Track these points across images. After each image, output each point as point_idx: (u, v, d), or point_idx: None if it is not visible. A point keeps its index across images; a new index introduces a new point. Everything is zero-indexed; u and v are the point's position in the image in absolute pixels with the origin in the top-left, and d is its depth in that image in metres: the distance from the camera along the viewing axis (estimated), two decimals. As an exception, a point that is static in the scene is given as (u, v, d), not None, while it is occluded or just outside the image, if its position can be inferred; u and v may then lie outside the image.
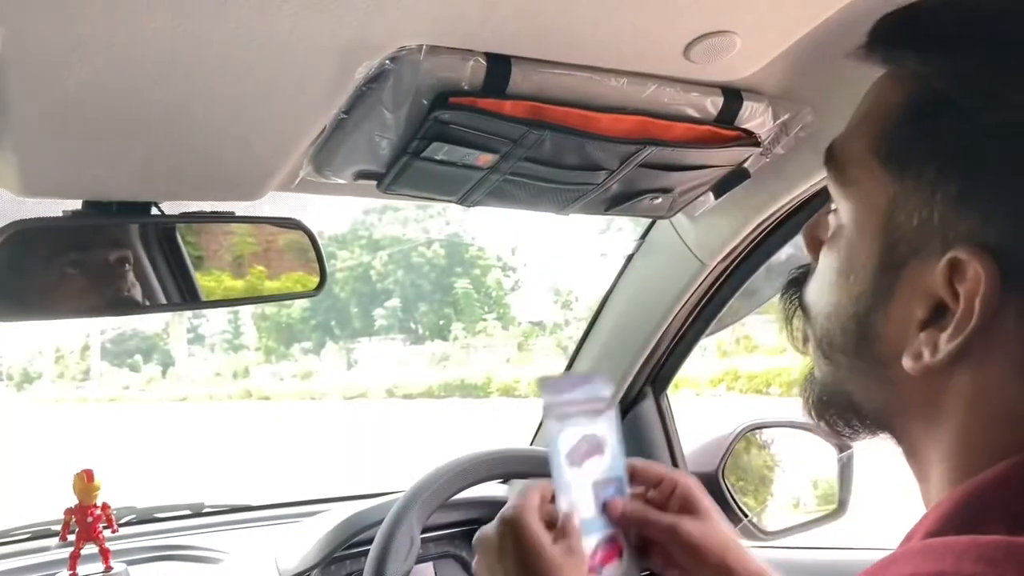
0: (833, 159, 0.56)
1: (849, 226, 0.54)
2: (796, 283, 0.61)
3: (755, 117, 0.96)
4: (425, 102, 0.79)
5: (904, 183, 0.49)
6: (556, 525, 0.75)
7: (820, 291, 0.57)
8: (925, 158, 0.48)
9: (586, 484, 0.77)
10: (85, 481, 1.30)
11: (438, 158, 0.87)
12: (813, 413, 0.59)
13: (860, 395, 0.55)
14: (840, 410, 0.57)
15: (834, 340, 0.55)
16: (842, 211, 0.55)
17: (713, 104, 0.93)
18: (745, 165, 1.06)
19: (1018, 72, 0.46)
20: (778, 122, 0.99)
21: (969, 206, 0.46)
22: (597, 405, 0.79)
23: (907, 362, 0.49)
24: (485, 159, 0.89)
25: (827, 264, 0.56)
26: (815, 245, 0.59)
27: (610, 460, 0.79)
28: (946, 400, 0.49)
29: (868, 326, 0.52)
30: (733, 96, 0.93)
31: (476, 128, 0.83)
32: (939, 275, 0.47)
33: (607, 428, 0.79)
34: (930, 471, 0.51)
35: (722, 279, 1.38)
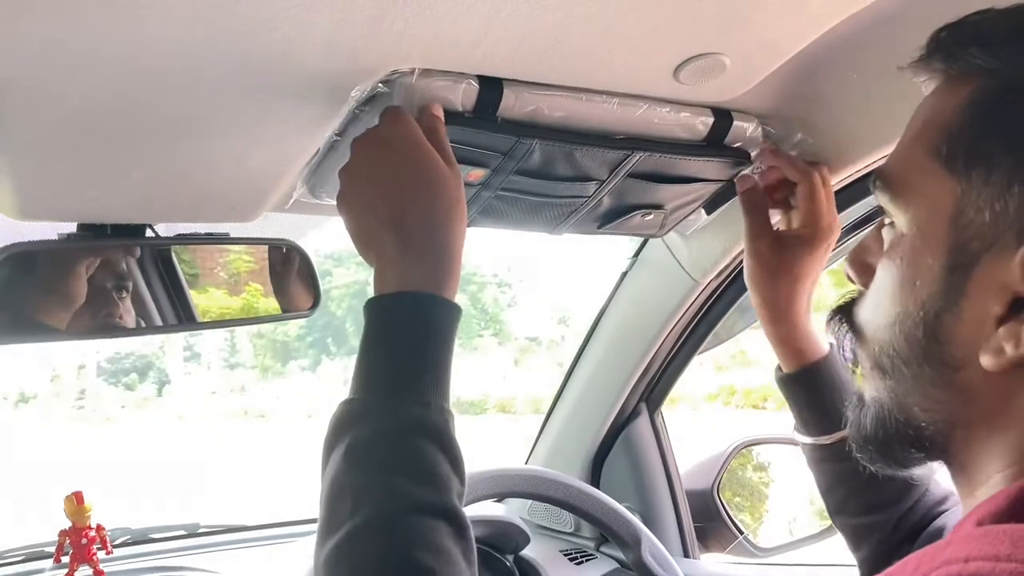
0: (886, 177, 0.56)
1: (911, 234, 0.53)
2: (843, 309, 0.62)
3: (745, 137, 0.97)
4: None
5: (972, 180, 0.49)
6: None
7: (878, 306, 0.56)
8: (996, 151, 0.48)
9: None
10: (75, 504, 1.30)
11: None
12: (865, 439, 0.58)
13: (922, 407, 0.53)
14: (896, 429, 0.55)
15: (898, 351, 0.54)
16: (901, 222, 0.54)
17: (703, 124, 0.93)
18: (736, 181, 1.07)
19: None
20: (768, 142, 1.00)
21: None
22: None
23: (987, 360, 0.48)
24: (476, 175, 0.89)
25: (886, 277, 0.55)
26: (864, 270, 0.60)
27: None
28: (1017, 401, 0.49)
29: (938, 329, 0.51)
30: (723, 117, 0.94)
31: (467, 143, 0.84)
32: (1017, 268, 0.47)
33: None
34: (982, 482, 0.51)
35: (715, 296, 1.39)
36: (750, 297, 0.98)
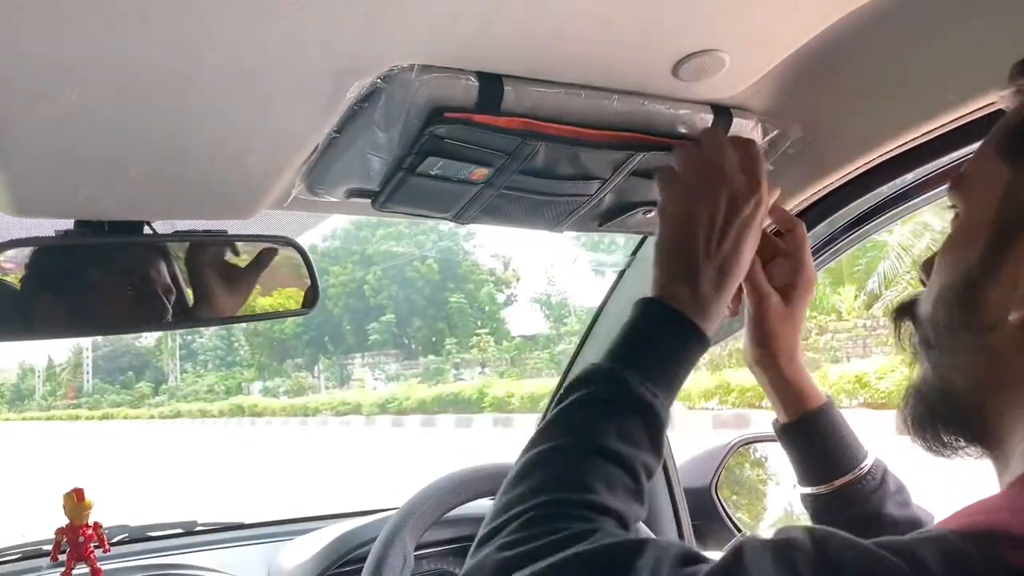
0: (962, 177, 0.62)
1: (964, 216, 0.60)
2: (906, 307, 0.66)
3: (744, 134, 0.97)
4: (418, 120, 0.80)
5: (1021, 166, 0.55)
6: None
7: (931, 288, 0.62)
8: None
9: None
10: (75, 501, 1.30)
11: (433, 173, 0.87)
12: (910, 417, 0.63)
13: (959, 373, 0.59)
14: (935, 401, 0.60)
15: (940, 320, 0.60)
16: (960, 207, 0.61)
17: (703, 121, 0.93)
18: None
19: None
20: (767, 139, 1.00)
21: None
22: None
23: (1014, 315, 0.53)
24: (480, 173, 0.89)
25: (942, 260, 0.61)
26: (928, 266, 0.65)
27: None
28: None
29: (976, 291, 0.57)
30: (723, 114, 0.94)
31: (471, 142, 0.83)
32: None
33: None
34: (1013, 452, 0.55)
35: (713, 294, 1.38)
36: (751, 355, 0.98)
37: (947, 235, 0.62)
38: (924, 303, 0.63)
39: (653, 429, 0.74)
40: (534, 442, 0.73)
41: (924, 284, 0.66)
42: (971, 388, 0.58)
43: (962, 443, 0.60)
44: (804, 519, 1.61)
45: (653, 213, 1.07)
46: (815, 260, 1.05)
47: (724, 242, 0.82)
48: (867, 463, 0.90)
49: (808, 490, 0.94)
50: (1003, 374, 0.55)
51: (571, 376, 0.78)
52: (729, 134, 0.96)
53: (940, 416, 0.60)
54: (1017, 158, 0.56)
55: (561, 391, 0.77)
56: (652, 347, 0.79)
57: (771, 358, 0.96)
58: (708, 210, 0.82)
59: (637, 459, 0.71)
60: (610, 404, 0.74)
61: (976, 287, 0.56)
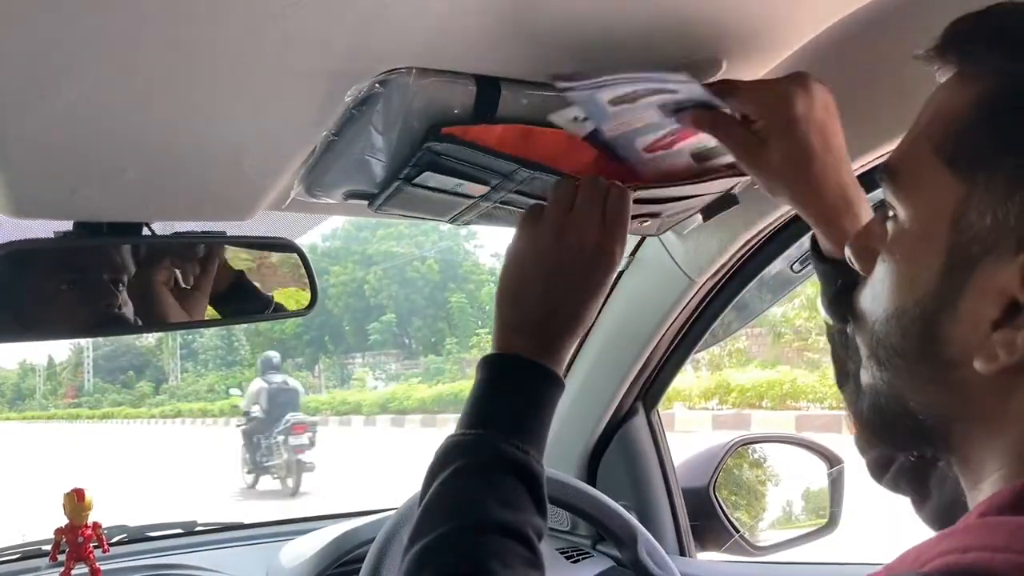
0: (891, 169, 0.55)
1: (913, 229, 0.53)
2: (845, 292, 0.62)
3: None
4: (415, 127, 0.80)
5: (975, 183, 0.48)
6: None
7: (878, 297, 0.55)
8: (1001, 156, 0.48)
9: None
10: (76, 501, 1.30)
11: (430, 185, 0.87)
12: (863, 423, 0.58)
13: (918, 401, 0.53)
14: (894, 418, 0.55)
15: (894, 345, 0.53)
16: (903, 216, 0.54)
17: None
18: (734, 192, 1.06)
19: None
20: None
21: None
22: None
23: (980, 364, 0.48)
24: (476, 189, 0.90)
25: (886, 269, 0.55)
26: (868, 256, 0.58)
27: None
28: (1014, 403, 0.48)
29: (934, 327, 0.50)
30: (720, 116, 0.94)
31: (467, 161, 0.83)
32: (1015, 274, 0.46)
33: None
34: (984, 478, 0.51)
35: (711, 295, 1.39)
36: (788, 201, 0.85)
37: (891, 232, 0.56)
38: (869, 312, 0.56)
39: (533, 486, 0.72)
40: (418, 533, 0.69)
41: (852, 266, 0.61)
42: (935, 417, 0.53)
43: (922, 447, 0.56)
44: (805, 519, 1.62)
45: (649, 222, 1.07)
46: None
47: (567, 302, 0.80)
48: None
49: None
50: (970, 411, 0.51)
51: (435, 453, 0.76)
52: None
53: (898, 429, 0.56)
54: (967, 168, 0.49)
55: (428, 472, 0.75)
56: (504, 401, 0.77)
57: (787, 188, 0.83)
58: (553, 260, 0.80)
59: (526, 524, 0.70)
60: (482, 473, 0.72)
61: (935, 321, 0.50)
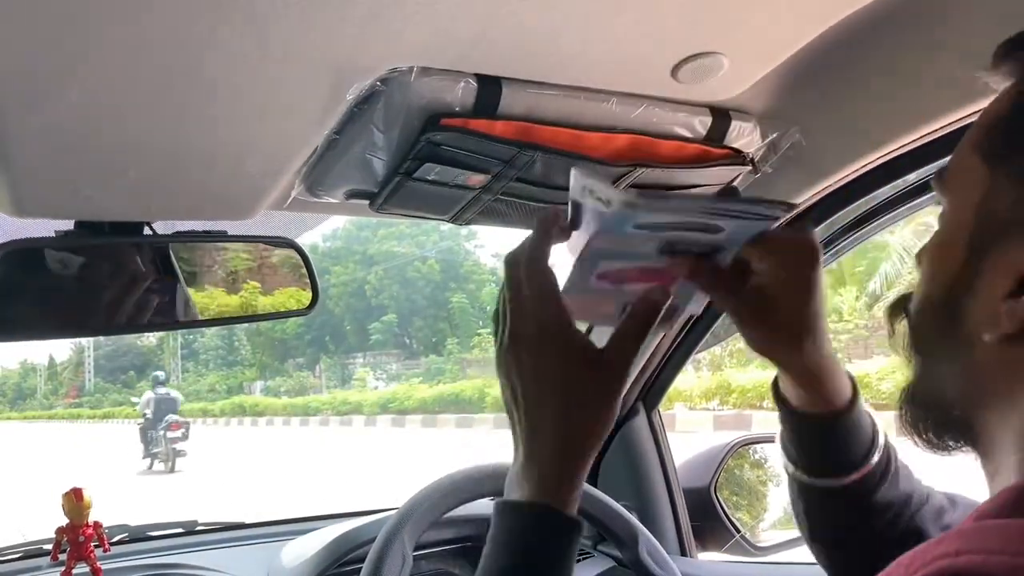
0: (941, 171, 0.59)
1: (946, 217, 0.57)
2: (900, 304, 0.63)
3: (743, 136, 0.97)
4: (416, 123, 0.80)
5: (1000, 171, 0.53)
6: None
7: (919, 289, 0.60)
8: (1022, 149, 0.52)
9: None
10: (74, 501, 1.30)
11: (430, 178, 0.87)
12: (907, 419, 0.60)
13: (947, 384, 0.56)
14: (930, 410, 0.58)
15: (925, 327, 0.58)
16: (945, 204, 0.58)
17: (702, 124, 0.93)
18: (735, 184, 1.07)
19: None
20: (766, 141, 1.00)
21: None
22: None
23: (988, 334, 0.51)
24: (476, 179, 0.89)
25: (927, 261, 0.59)
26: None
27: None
28: (1020, 381, 0.51)
29: (956, 304, 0.54)
30: (721, 116, 0.94)
31: (467, 149, 0.84)
32: None
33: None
34: (1000, 468, 0.52)
35: (713, 295, 1.39)
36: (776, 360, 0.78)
37: (935, 231, 0.60)
38: (914, 303, 0.61)
39: None
40: None
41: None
42: (957, 399, 0.56)
43: (958, 445, 0.58)
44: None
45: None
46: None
47: (526, 400, 0.66)
48: (878, 453, 0.78)
49: (819, 482, 0.79)
50: (984, 390, 0.54)
51: None
52: (728, 135, 0.96)
53: (933, 420, 0.59)
54: (995, 160, 0.54)
55: None
56: (514, 558, 0.65)
57: (777, 350, 0.77)
58: (505, 363, 0.67)
59: None
60: None
61: (956, 301, 0.54)
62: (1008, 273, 0.50)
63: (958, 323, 0.54)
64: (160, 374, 15.94)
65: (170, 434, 12.60)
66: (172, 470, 12.57)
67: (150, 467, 13.05)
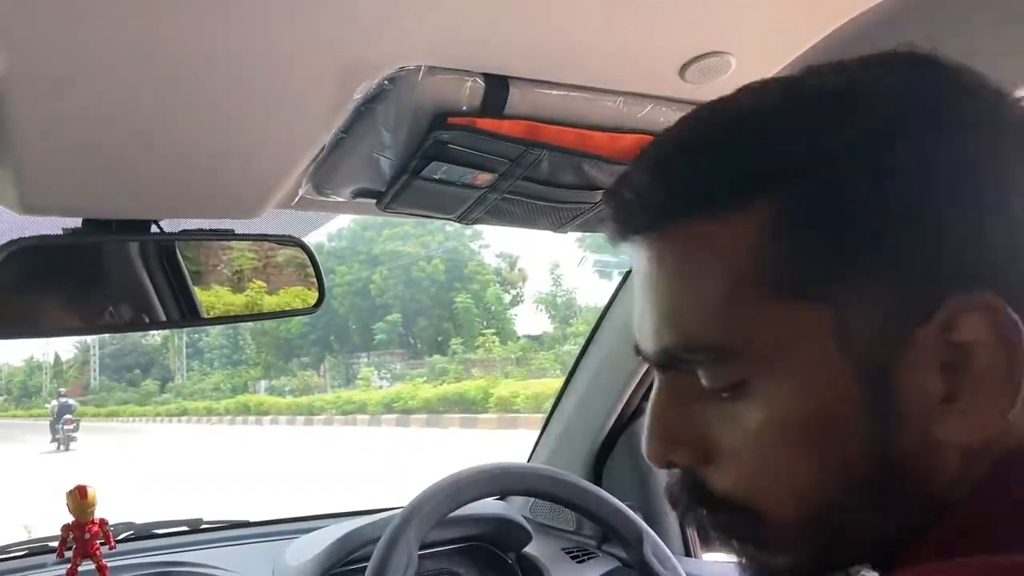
0: (701, 347, 0.49)
1: (790, 384, 0.45)
2: (692, 490, 0.52)
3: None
4: (424, 122, 0.80)
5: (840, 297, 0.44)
6: None
7: (765, 473, 0.47)
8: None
9: None
10: (78, 499, 1.30)
11: (437, 177, 0.88)
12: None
13: (875, 532, 0.46)
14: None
15: (847, 503, 0.45)
16: (763, 383, 0.46)
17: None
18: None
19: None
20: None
21: None
22: None
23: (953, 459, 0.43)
24: (483, 178, 0.90)
25: (766, 437, 0.46)
26: (692, 446, 0.51)
27: None
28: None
29: (890, 456, 0.44)
30: (729, 116, 0.94)
31: (474, 148, 0.84)
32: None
33: None
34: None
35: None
36: None
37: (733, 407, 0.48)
38: (767, 493, 0.47)
39: None
40: None
41: (670, 467, 0.54)
42: (886, 540, 0.46)
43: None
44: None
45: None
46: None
47: None
48: None
49: None
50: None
51: None
52: None
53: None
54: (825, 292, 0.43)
55: None
56: None
57: None
58: None
59: None
60: None
61: (889, 447, 0.44)
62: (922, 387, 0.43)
63: (901, 471, 0.45)
64: (63, 390, 23.44)
65: (66, 427, 17.82)
66: (67, 449, 17.77)
67: (56, 448, 17.98)
